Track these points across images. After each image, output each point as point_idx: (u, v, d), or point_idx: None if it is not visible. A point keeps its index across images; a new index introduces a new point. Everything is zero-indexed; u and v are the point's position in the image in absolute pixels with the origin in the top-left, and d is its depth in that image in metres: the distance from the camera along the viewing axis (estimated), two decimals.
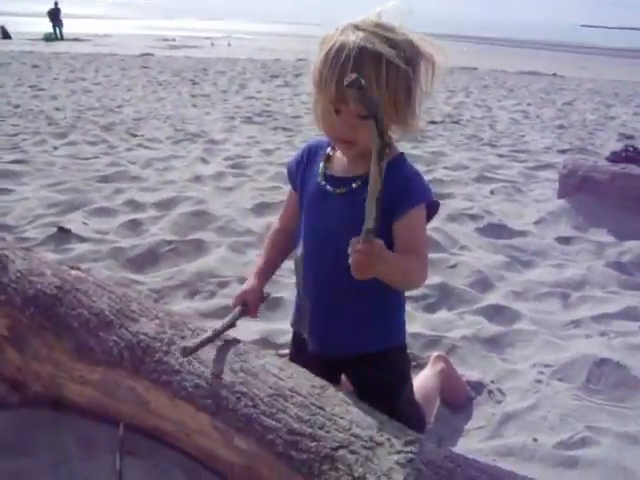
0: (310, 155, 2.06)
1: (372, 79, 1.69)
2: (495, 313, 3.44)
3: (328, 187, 1.94)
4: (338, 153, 1.98)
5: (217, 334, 1.98)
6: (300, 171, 2.07)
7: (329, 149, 2.00)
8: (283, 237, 2.17)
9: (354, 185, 1.89)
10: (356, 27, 1.74)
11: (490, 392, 2.73)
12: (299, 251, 2.04)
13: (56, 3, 28.87)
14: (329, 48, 1.73)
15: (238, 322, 2.08)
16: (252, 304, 2.08)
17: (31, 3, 57.78)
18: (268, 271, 2.18)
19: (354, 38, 1.71)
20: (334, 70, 1.71)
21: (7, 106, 9.52)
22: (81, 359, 2.10)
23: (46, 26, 28.79)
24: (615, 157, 5.44)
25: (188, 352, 1.89)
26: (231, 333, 2.20)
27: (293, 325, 2.20)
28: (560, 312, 3.57)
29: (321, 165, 1.99)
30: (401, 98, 1.76)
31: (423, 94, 1.83)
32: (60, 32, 28.74)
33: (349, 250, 1.61)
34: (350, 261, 1.62)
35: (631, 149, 5.49)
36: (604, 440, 2.41)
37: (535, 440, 2.40)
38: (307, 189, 2.01)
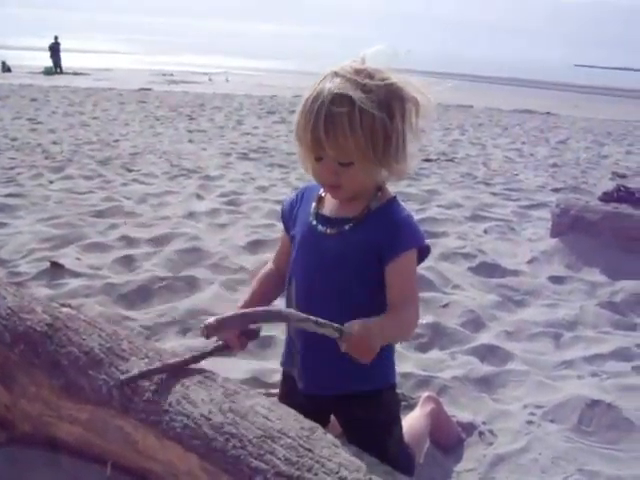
0: (304, 197, 2.08)
1: (345, 125, 1.72)
2: (487, 353, 3.44)
3: (320, 227, 1.95)
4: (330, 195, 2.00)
5: (167, 369, 1.98)
6: (293, 212, 2.08)
7: (321, 190, 2.02)
8: (273, 277, 2.17)
9: (346, 227, 1.90)
10: (335, 74, 1.78)
11: (481, 433, 2.72)
12: (291, 287, 2.05)
13: (56, 38, 29.18)
14: (307, 97, 1.78)
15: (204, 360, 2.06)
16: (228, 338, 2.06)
17: (32, 37, 58.39)
18: (253, 305, 2.12)
19: (329, 85, 1.74)
20: (309, 119, 1.75)
21: (4, 139, 9.57)
22: (70, 397, 2.09)
23: (46, 60, 29.04)
24: (607, 197, 5.47)
25: (125, 382, 1.94)
26: (222, 371, 2.20)
27: (283, 364, 2.19)
28: (552, 352, 3.57)
29: (313, 205, 2.01)
30: (379, 143, 1.77)
31: (407, 137, 1.84)
32: (59, 66, 28.99)
33: (343, 349, 1.73)
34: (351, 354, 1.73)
35: (623, 189, 5.53)
36: None
37: None
38: (299, 229, 2.03)
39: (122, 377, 1.95)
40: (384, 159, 1.81)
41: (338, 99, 1.72)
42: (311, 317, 1.77)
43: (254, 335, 2.10)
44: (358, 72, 1.77)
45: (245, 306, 2.09)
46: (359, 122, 1.72)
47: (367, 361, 1.75)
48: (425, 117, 1.85)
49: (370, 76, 1.77)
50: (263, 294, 2.15)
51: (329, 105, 1.72)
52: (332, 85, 1.74)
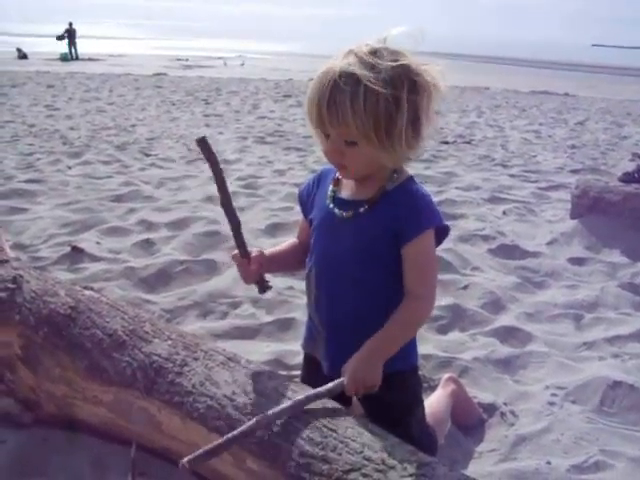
0: (320, 180, 2.08)
1: (347, 103, 1.70)
2: (507, 335, 3.44)
3: (336, 210, 1.93)
4: None
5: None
6: (311, 197, 2.08)
7: (338, 173, 2.02)
8: (299, 246, 2.15)
9: (361, 210, 1.89)
10: (350, 52, 1.76)
11: (502, 414, 2.71)
12: (310, 272, 2.05)
13: (70, 24, 29.21)
14: (319, 74, 1.77)
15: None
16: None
17: (47, 24, 58.52)
18: (279, 255, 2.12)
19: (339, 63, 1.73)
20: (314, 94, 1.75)
21: (22, 125, 9.62)
22: (94, 379, 2.11)
23: (62, 46, 29.09)
24: (627, 177, 5.41)
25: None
26: (243, 353, 2.21)
27: (304, 347, 2.19)
28: (573, 334, 3.55)
29: (330, 188, 2.00)
30: (382, 124, 1.73)
31: (421, 121, 1.80)
32: (75, 52, 29.06)
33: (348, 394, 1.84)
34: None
35: None
36: (618, 464, 2.40)
37: (548, 463, 2.38)
38: (317, 213, 2.02)
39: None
40: (388, 142, 1.76)
41: (344, 77, 1.70)
42: (308, 394, 1.81)
43: (266, 284, 2.06)
44: (373, 52, 1.74)
45: (272, 254, 2.08)
46: (362, 102, 1.70)
47: (376, 386, 1.84)
48: (438, 102, 1.82)
49: (384, 57, 1.73)
50: (288, 254, 2.15)
51: (335, 82, 1.70)
52: (342, 63, 1.73)
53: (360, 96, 1.69)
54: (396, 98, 1.73)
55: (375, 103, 1.71)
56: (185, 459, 1.64)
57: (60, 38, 29.38)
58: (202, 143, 1.83)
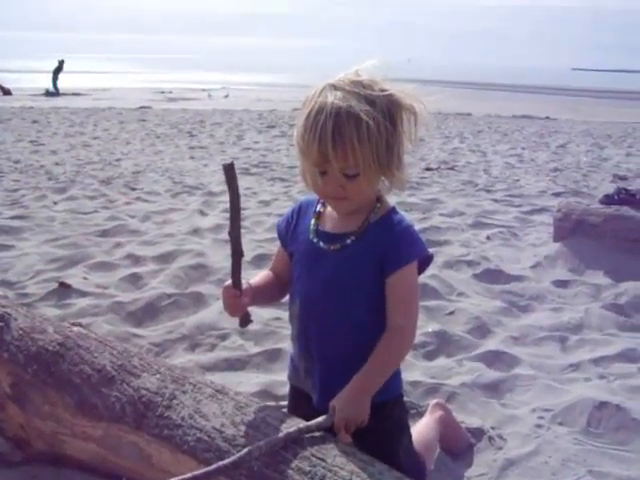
0: (300, 213, 2.09)
1: (353, 138, 1.74)
2: (494, 359, 3.46)
3: (321, 244, 1.96)
4: (329, 210, 2.01)
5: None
6: (290, 229, 2.09)
7: (319, 206, 2.04)
8: (276, 279, 2.14)
9: (348, 241, 1.92)
10: (333, 87, 1.79)
11: (490, 438, 2.74)
12: (294, 307, 2.07)
13: (61, 62, 29.34)
14: (309, 111, 1.79)
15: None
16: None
17: (30, 60, 58.68)
18: (263, 288, 2.09)
19: (332, 99, 1.76)
20: (315, 133, 1.76)
21: (7, 162, 9.61)
22: (83, 415, 2.12)
23: (46, 82, 29.13)
24: (608, 200, 5.50)
25: None
26: (232, 385, 2.23)
27: (290, 379, 2.21)
28: (559, 356, 3.59)
29: (312, 222, 2.02)
30: (382, 152, 1.80)
31: (406, 145, 1.87)
32: (56, 87, 29.04)
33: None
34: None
35: (624, 192, 5.56)
36: None
37: None
38: (298, 246, 2.04)
39: None
40: (388, 168, 1.84)
41: (344, 112, 1.74)
42: (300, 427, 1.83)
43: (248, 318, 2.06)
44: (355, 84, 1.79)
45: (257, 287, 2.05)
46: (366, 134, 1.75)
47: (365, 421, 1.86)
48: (422, 125, 1.88)
49: (369, 87, 1.80)
50: (268, 287, 2.12)
51: (335, 118, 1.73)
52: (334, 98, 1.75)
53: (363, 129, 1.74)
54: (393, 125, 1.81)
55: (377, 133, 1.77)
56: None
57: (57, 72, 29.33)
58: (229, 169, 1.82)
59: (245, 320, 2.05)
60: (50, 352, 2.22)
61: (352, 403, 1.84)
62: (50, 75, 29.35)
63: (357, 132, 1.74)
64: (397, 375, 2.07)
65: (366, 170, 1.80)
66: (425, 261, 1.96)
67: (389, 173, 1.86)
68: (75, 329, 2.35)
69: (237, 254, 1.93)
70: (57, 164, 9.57)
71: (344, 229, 1.95)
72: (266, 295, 2.12)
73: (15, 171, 8.88)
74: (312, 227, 2.01)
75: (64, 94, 28.13)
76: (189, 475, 1.70)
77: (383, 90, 1.81)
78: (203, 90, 32.78)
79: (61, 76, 29.48)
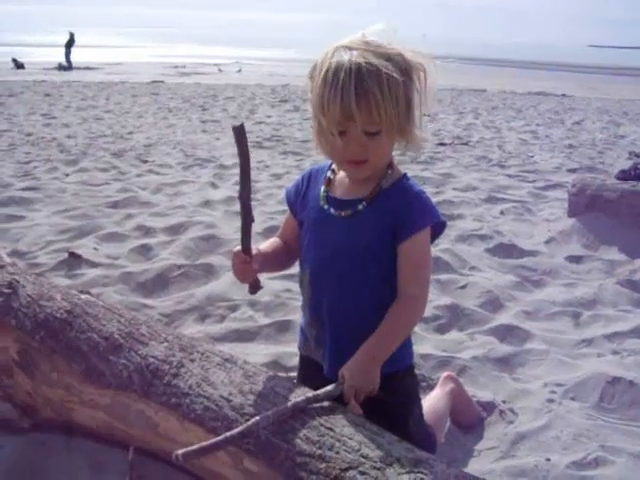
0: (310, 180, 2.06)
1: (376, 92, 1.71)
2: (506, 333, 3.44)
3: (332, 210, 1.93)
4: (339, 176, 1.98)
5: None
6: (299, 196, 2.06)
7: (329, 173, 2.00)
8: (285, 246, 2.12)
9: (360, 207, 1.89)
10: (347, 47, 1.77)
11: (502, 412, 2.71)
12: (304, 275, 2.04)
13: (71, 34, 29.22)
14: (326, 70, 1.75)
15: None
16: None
17: (43, 34, 58.58)
18: (272, 255, 2.06)
19: (348, 57, 1.73)
20: (336, 89, 1.72)
21: (19, 134, 9.62)
22: (91, 383, 2.10)
23: (59, 56, 29.09)
24: (624, 175, 5.42)
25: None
26: (241, 356, 2.20)
27: (300, 348, 2.19)
28: (571, 331, 3.55)
29: (322, 189, 1.98)
30: (402, 108, 1.78)
31: (421, 104, 1.84)
32: (69, 61, 29.00)
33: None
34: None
35: None
36: (618, 459, 2.39)
37: (548, 460, 2.38)
38: (308, 213, 2.01)
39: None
40: (407, 125, 1.82)
41: (364, 67, 1.71)
42: (308, 396, 1.81)
43: (258, 284, 2.04)
44: (368, 44, 1.77)
45: (266, 254, 2.02)
46: (387, 89, 1.73)
47: (374, 390, 1.84)
48: (434, 87, 1.85)
49: (382, 46, 1.78)
50: (277, 254, 2.09)
51: (356, 73, 1.71)
52: (351, 56, 1.73)
53: (385, 84, 1.73)
54: (410, 80, 1.80)
55: (397, 88, 1.75)
56: (180, 451, 1.65)
57: (69, 45, 29.25)
58: (239, 130, 1.77)
59: (255, 286, 2.02)
60: (58, 319, 2.21)
61: (361, 371, 1.82)
62: (62, 49, 29.28)
63: (379, 86, 1.72)
64: (408, 345, 2.05)
65: (388, 126, 1.77)
66: (438, 228, 1.93)
67: (408, 131, 1.83)
68: (83, 296, 2.33)
69: (247, 219, 1.90)
70: (69, 137, 9.56)
71: (355, 195, 1.91)
72: (274, 262, 2.09)
73: (27, 143, 8.88)
74: (322, 194, 1.98)
75: (77, 68, 28.09)
76: (196, 446, 1.68)
77: (393, 49, 1.79)
78: (215, 65, 32.59)
79: (73, 50, 29.39)
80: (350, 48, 1.76)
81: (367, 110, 1.73)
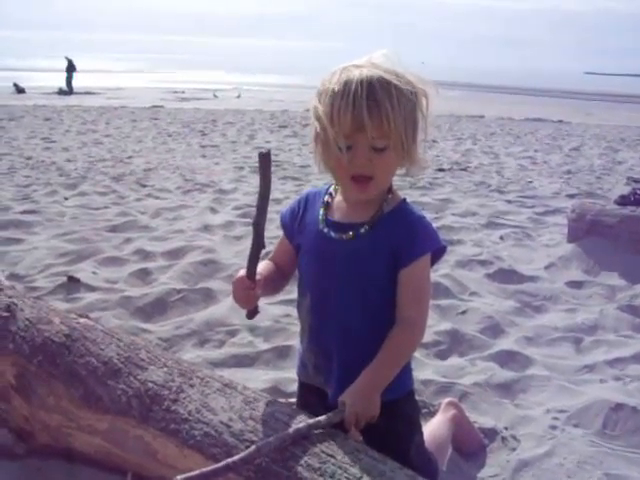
0: (307, 203, 2.03)
1: (387, 105, 1.71)
2: (507, 359, 3.41)
3: (332, 234, 1.91)
4: (337, 200, 1.96)
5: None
6: (296, 220, 2.03)
7: (327, 197, 1.99)
8: (279, 270, 2.08)
9: (362, 230, 1.87)
10: (356, 66, 1.77)
11: (504, 439, 2.68)
12: (304, 301, 2.02)
13: (70, 61, 29.39)
14: (334, 85, 1.74)
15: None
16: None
17: (44, 59, 58.95)
18: (269, 280, 2.01)
19: (359, 72, 1.73)
20: (348, 98, 1.71)
21: (19, 158, 9.64)
22: (89, 408, 2.08)
23: (60, 81, 29.24)
24: (624, 200, 5.43)
25: None
26: (241, 381, 2.18)
27: (299, 375, 2.16)
28: (573, 357, 3.53)
29: (321, 212, 1.96)
30: (410, 126, 1.78)
31: (424, 128, 1.84)
32: (70, 85, 29.13)
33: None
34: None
35: (639, 192, 5.49)
36: None
37: None
38: (306, 238, 1.98)
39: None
40: (412, 144, 1.81)
41: (377, 82, 1.72)
42: (310, 422, 1.79)
43: (255, 312, 2.01)
44: (375, 65, 1.77)
45: (262, 278, 1.95)
46: (397, 103, 1.73)
47: (375, 417, 1.82)
48: (432, 109, 1.84)
49: (389, 68, 1.78)
50: (274, 279, 2.05)
51: (368, 85, 1.71)
52: (362, 72, 1.73)
53: (395, 96, 1.73)
54: (416, 104, 1.80)
55: (406, 104, 1.76)
56: (179, 477, 1.62)
57: (70, 70, 29.40)
58: (265, 157, 1.77)
59: (254, 312, 2.01)
60: (56, 343, 2.18)
61: (362, 397, 1.79)
62: (63, 74, 29.45)
63: (390, 100, 1.72)
64: (407, 371, 2.03)
65: (395, 141, 1.76)
66: (439, 252, 1.92)
67: (412, 152, 1.82)
68: (82, 320, 2.31)
69: (258, 245, 1.87)
70: (69, 161, 9.58)
71: (355, 219, 1.90)
72: (272, 288, 2.07)
73: (27, 167, 8.89)
74: (321, 217, 1.95)
75: (77, 92, 28.24)
76: (197, 472, 1.65)
77: (400, 72, 1.79)
78: (214, 90, 32.72)
79: (75, 75, 29.56)
80: (359, 66, 1.76)
81: (378, 121, 1.72)
